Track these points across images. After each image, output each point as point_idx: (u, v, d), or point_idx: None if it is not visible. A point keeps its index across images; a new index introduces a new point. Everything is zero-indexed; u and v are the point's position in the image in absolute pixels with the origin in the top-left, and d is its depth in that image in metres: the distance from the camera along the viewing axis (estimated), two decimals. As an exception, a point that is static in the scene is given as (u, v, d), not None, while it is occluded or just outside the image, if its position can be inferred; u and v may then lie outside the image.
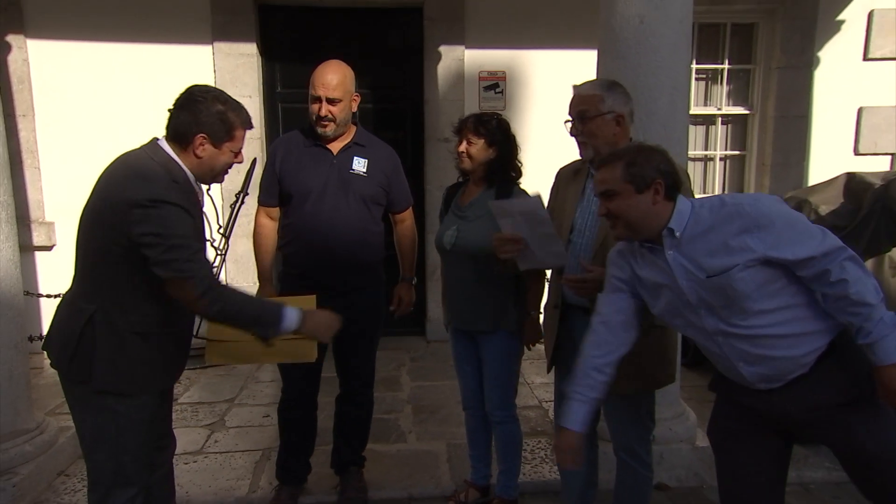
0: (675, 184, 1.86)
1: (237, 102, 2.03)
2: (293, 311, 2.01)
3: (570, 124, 2.30)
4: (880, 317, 1.69)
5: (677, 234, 1.84)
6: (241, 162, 2.10)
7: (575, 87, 2.34)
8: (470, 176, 2.71)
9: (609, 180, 1.87)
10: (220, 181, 2.13)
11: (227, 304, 1.93)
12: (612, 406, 2.36)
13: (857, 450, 1.84)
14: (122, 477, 2.06)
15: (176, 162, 1.97)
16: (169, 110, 2.00)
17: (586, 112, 2.23)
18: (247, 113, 2.05)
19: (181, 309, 1.99)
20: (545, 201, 2.40)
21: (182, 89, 2.05)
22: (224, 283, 1.96)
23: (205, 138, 1.95)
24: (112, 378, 1.97)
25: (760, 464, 1.99)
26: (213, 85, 4.88)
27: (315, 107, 2.65)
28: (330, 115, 2.64)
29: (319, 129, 2.68)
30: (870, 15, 5.40)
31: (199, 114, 1.94)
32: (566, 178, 2.45)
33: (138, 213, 1.83)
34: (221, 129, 1.96)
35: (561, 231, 2.32)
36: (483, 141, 2.59)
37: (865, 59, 5.47)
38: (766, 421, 1.95)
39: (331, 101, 2.63)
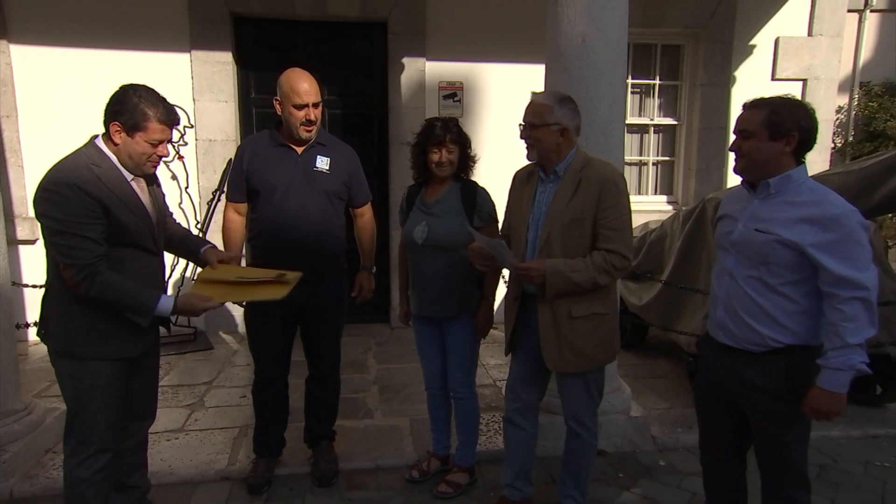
0: (807, 141, 1.86)
1: (158, 98, 2.04)
2: (168, 300, 2.08)
3: (521, 127, 2.33)
4: (848, 356, 1.77)
5: (772, 190, 1.89)
6: (164, 155, 2.11)
7: (533, 93, 2.37)
8: (435, 176, 2.71)
9: (750, 121, 1.89)
10: (148, 171, 2.12)
11: (102, 293, 1.97)
12: (565, 382, 2.43)
13: (763, 434, 2.00)
14: (81, 435, 2.10)
15: (103, 152, 2.03)
16: None
17: (534, 120, 2.27)
18: (166, 109, 2.04)
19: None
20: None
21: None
22: (105, 272, 1.98)
23: (118, 126, 2.00)
24: (63, 342, 2.05)
25: (729, 424, 2.10)
26: (188, 89, 4.83)
27: (302, 113, 2.62)
28: (316, 119, 2.65)
29: (305, 134, 2.66)
30: (776, 41, 5.64)
31: (116, 105, 2.00)
32: (521, 180, 2.48)
33: (42, 197, 1.95)
34: (133, 119, 1.99)
35: (519, 229, 2.38)
36: (458, 147, 2.63)
37: (773, 79, 5.71)
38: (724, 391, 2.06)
39: (315, 106, 2.63)
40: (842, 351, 1.78)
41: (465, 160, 2.69)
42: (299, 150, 2.71)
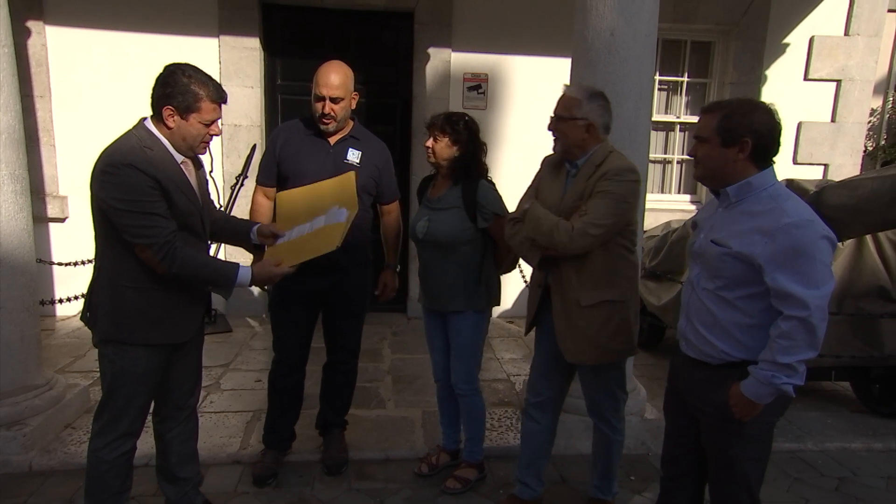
0: (765, 146, 1.74)
1: (206, 76, 1.97)
2: (246, 270, 2.06)
3: (551, 118, 2.28)
4: (773, 373, 1.68)
5: (732, 199, 1.80)
6: (216, 133, 2.03)
7: (565, 86, 2.32)
8: (438, 170, 2.65)
9: (703, 127, 1.80)
10: (200, 152, 2.07)
11: (184, 269, 1.94)
12: (584, 375, 2.40)
13: (710, 448, 1.93)
14: (111, 418, 2.07)
15: (154, 135, 1.96)
16: None
17: (562, 113, 2.21)
18: (215, 87, 1.97)
19: None
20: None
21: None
22: (183, 246, 1.94)
23: (172, 110, 1.93)
24: (111, 327, 2.00)
25: (690, 437, 2.01)
26: (216, 74, 4.80)
27: (319, 105, 2.58)
28: (332, 113, 2.58)
29: (322, 126, 2.62)
30: (811, 40, 5.42)
31: (166, 87, 1.92)
32: (549, 169, 2.41)
33: (101, 180, 1.86)
34: (186, 101, 1.92)
35: None
36: (448, 139, 2.53)
37: (806, 79, 5.50)
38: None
39: (334, 101, 2.56)
40: (769, 366, 1.68)
41: (468, 161, 2.57)
42: (332, 141, 2.67)
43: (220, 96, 1.98)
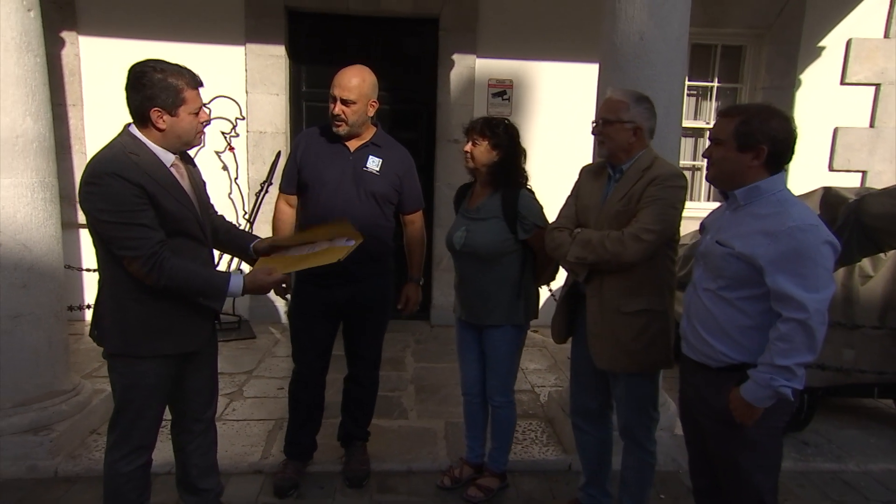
0: (780, 153, 1.75)
1: (177, 65, 1.91)
2: (238, 279, 1.99)
3: (594, 124, 2.25)
4: (772, 375, 1.67)
5: (740, 202, 1.80)
6: (206, 120, 1.98)
7: (609, 89, 2.30)
8: (477, 177, 2.60)
9: (721, 130, 1.81)
10: (197, 143, 2.02)
11: (173, 280, 1.87)
12: (616, 389, 2.33)
13: (717, 456, 1.91)
14: (124, 430, 2.04)
15: (139, 140, 1.89)
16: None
17: (609, 116, 2.18)
18: (190, 73, 1.92)
19: None
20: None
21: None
22: (170, 257, 1.87)
23: (160, 111, 1.86)
24: (118, 342, 1.96)
25: (702, 442, 1.99)
26: (242, 81, 4.84)
27: (331, 106, 2.55)
28: (342, 116, 2.52)
29: (334, 128, 2.58)
30: (848, 43, 5.26)
31: (145, 89, 1.84)
32: (589, 176, 2.37)
33: (85, 192, 1.82)
34: (170, 97, 1.86)
35: (587, 224, 2.27)
36: (487, 143, 2.47)
37: (843, 83, 5.34)
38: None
39: (345, 102, 2.51)
40: (767, 369, 1.68)
41: (508, 167, 2.51)
42: (352, 148, 2.63)
43: (196, 81, 1.93)
